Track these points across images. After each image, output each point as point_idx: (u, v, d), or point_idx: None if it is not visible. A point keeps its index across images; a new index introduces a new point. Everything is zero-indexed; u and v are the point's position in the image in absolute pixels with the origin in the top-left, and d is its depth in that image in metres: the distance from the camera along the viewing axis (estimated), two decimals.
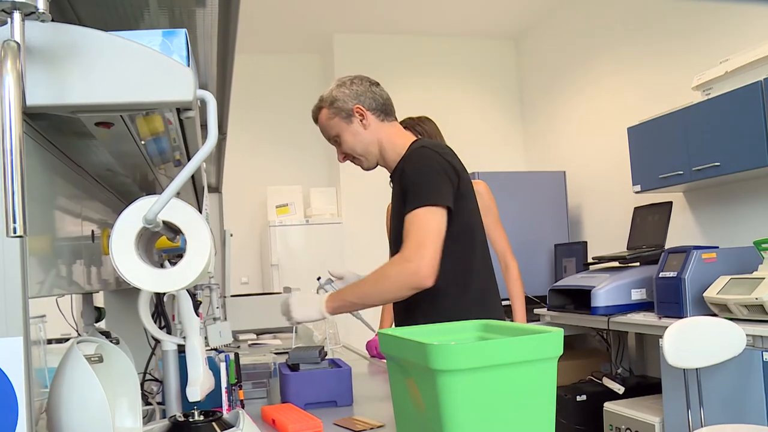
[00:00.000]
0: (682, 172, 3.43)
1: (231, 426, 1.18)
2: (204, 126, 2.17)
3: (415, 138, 1.88)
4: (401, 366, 1.22)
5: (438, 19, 5.27)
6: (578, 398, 3.59)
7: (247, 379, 1.85)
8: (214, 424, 1.18)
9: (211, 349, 2.34)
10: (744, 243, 3.33)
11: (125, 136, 0.95)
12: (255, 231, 5.62)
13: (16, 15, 0.69)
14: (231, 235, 3.58)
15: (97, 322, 1.51)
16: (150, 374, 1.72)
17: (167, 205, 0.88)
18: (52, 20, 0.75)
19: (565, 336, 4.29)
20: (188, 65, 0.87)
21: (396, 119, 1.90)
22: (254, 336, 3.30)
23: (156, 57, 0.81)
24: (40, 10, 0.69)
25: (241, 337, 3.31)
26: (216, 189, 3.80)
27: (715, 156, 3.19)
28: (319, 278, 2.03)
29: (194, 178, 1.49)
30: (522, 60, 5.79)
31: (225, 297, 3.45)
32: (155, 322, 1.73)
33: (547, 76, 5.37)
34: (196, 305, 1.44)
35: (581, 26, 4.89)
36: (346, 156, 1.88)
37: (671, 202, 3.68)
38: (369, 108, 1.81)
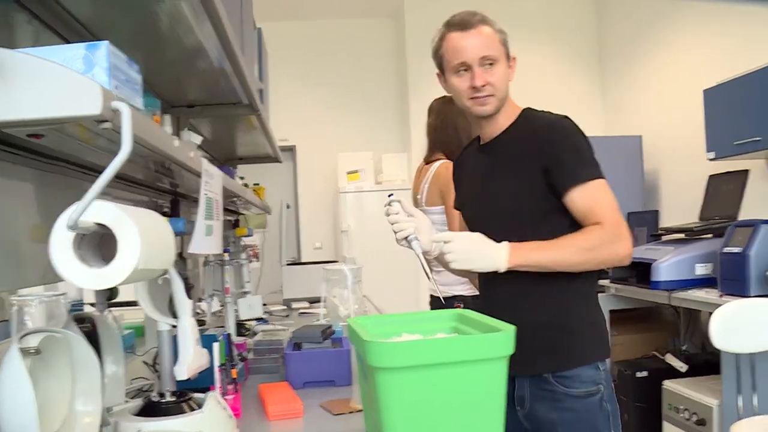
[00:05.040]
0: (760, 138, 3.16)
1: (200, 407, 1.25)
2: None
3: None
4: (358, 356, 1.24)
5: None
6: (638, 374, 3.46)
7: (261, 354, 1.93)
8: (183, 404, 1.25)
9: (242, 321, 2.44)
10: None
11: (67, 142, 1.00)
12: (328, 197, 5.72)
13: None
14: (288, 207, 3.69)
15: (109, 299, 1.62)
16: None
17: (94, 208, 0.93)
18: None
19: (634, 308, 4.07)
20: (109, 76, 0.91)
21: None
22: (307, 304, 3.40)
23: (63, 73, 0.84)
24: None
25: (294, 305, 3.43)
26: (275, 159, 3.90)
27: None
28: (390, 194, 1.67)
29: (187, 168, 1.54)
30: (601, 18, 5.47)
31: (282, 265, 3.58)
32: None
33: (627, 34, 5.05)
34: (188, 288, 1.51)
35: None
36: (486, 84, 1.65)
37: (747, 171, 3.41)
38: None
